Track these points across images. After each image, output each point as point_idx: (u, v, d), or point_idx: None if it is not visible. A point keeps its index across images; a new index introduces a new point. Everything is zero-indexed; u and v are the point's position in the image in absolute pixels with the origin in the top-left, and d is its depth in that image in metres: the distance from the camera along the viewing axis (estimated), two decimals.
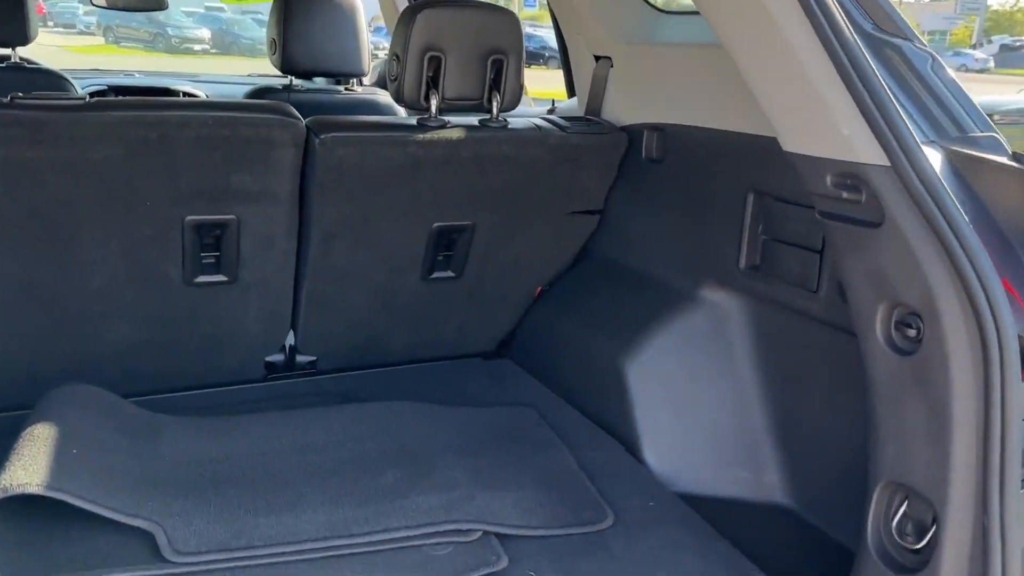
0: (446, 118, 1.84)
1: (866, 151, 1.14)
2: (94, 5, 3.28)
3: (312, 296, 1.96)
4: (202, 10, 18.48)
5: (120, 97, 2.78)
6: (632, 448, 1.79)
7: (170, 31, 17.77)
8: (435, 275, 2.06)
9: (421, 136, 1.81)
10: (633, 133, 2.02)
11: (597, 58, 2.14)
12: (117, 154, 1.60)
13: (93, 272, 1.73)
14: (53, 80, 2.52)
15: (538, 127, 1.96)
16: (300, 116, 1.73)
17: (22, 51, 2.56)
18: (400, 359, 2.20)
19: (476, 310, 2.21)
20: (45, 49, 2.55)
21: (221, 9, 18.10)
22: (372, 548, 1.42)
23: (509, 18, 1.84)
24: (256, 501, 1.50)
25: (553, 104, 2.59)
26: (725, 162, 1.78)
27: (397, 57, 1.79)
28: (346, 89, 2.74)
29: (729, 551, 1.49)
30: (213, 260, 1.82)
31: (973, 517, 1.11)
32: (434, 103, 1.80)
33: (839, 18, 1.13)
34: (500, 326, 2.30)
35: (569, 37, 2.29)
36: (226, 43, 18.67)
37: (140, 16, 15.37)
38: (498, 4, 2.12)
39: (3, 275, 1.66)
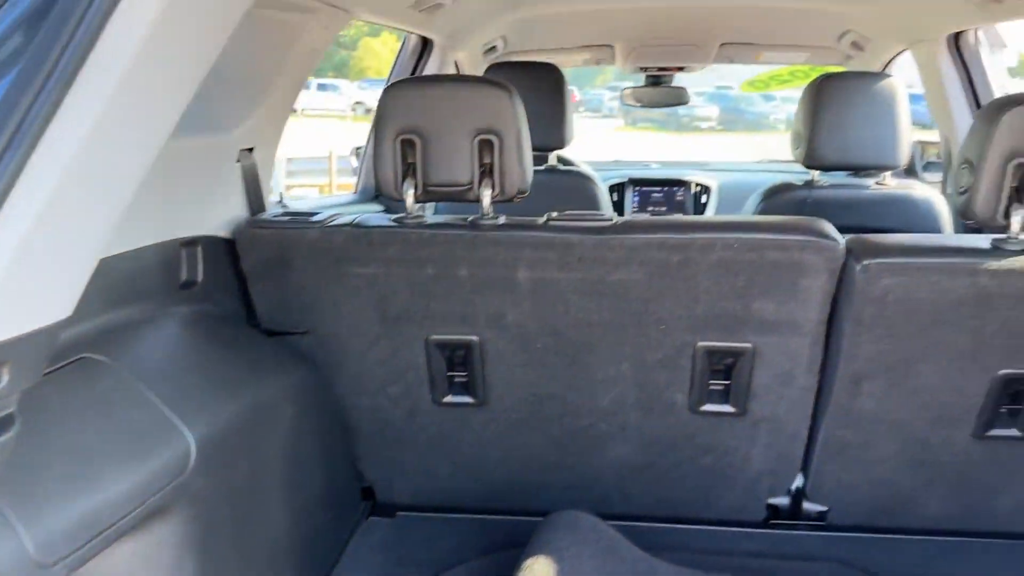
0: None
1: None
2: (625, 104, 3.50)
3: (829, 441, 1.67)
4: (711, 89, 19.25)
5: (643, 217, 2.87)
6: None
7: (681, 111, 18.84)
8: (993, 432, 1.61)
9: (995, 264, 1.42)
10: None
11: None
12: (637, 277, 1.53)
13: (604, 392, 1.68)
14: (580, 180, 2.66)
15: None
16: (838, 236, 1.48)
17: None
18: (934, 527, 1.77)
19: None
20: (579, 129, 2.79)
21: (729, 87, 18.61)
22: None
23: None
24: None
25: None
26: None
27: (970, 164, 1.44)
28: (876, 184, 2.39)
29: None
30: (722, 388, 1.66)
31: None
32: (1016, 222, 1.42)
33: None
34: None
35: None
36: (731, 119, 19.07)
37: None
38: None
39: (521, 383, 1.70)
